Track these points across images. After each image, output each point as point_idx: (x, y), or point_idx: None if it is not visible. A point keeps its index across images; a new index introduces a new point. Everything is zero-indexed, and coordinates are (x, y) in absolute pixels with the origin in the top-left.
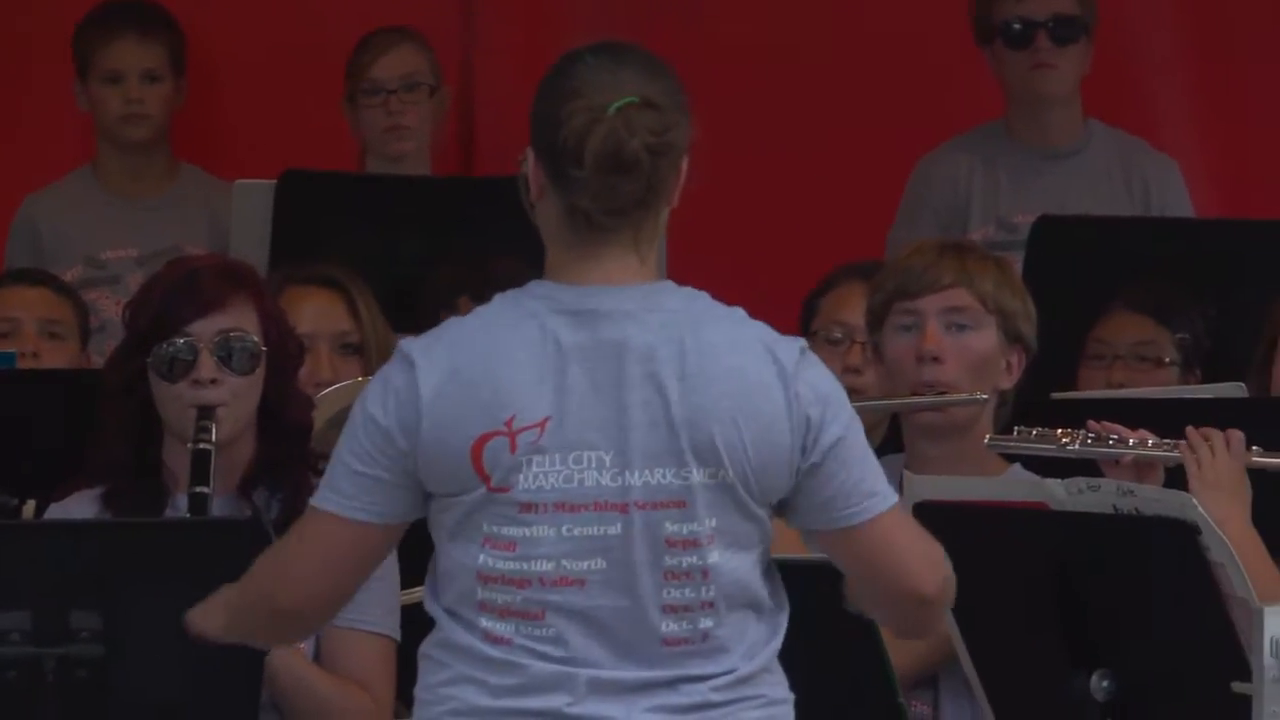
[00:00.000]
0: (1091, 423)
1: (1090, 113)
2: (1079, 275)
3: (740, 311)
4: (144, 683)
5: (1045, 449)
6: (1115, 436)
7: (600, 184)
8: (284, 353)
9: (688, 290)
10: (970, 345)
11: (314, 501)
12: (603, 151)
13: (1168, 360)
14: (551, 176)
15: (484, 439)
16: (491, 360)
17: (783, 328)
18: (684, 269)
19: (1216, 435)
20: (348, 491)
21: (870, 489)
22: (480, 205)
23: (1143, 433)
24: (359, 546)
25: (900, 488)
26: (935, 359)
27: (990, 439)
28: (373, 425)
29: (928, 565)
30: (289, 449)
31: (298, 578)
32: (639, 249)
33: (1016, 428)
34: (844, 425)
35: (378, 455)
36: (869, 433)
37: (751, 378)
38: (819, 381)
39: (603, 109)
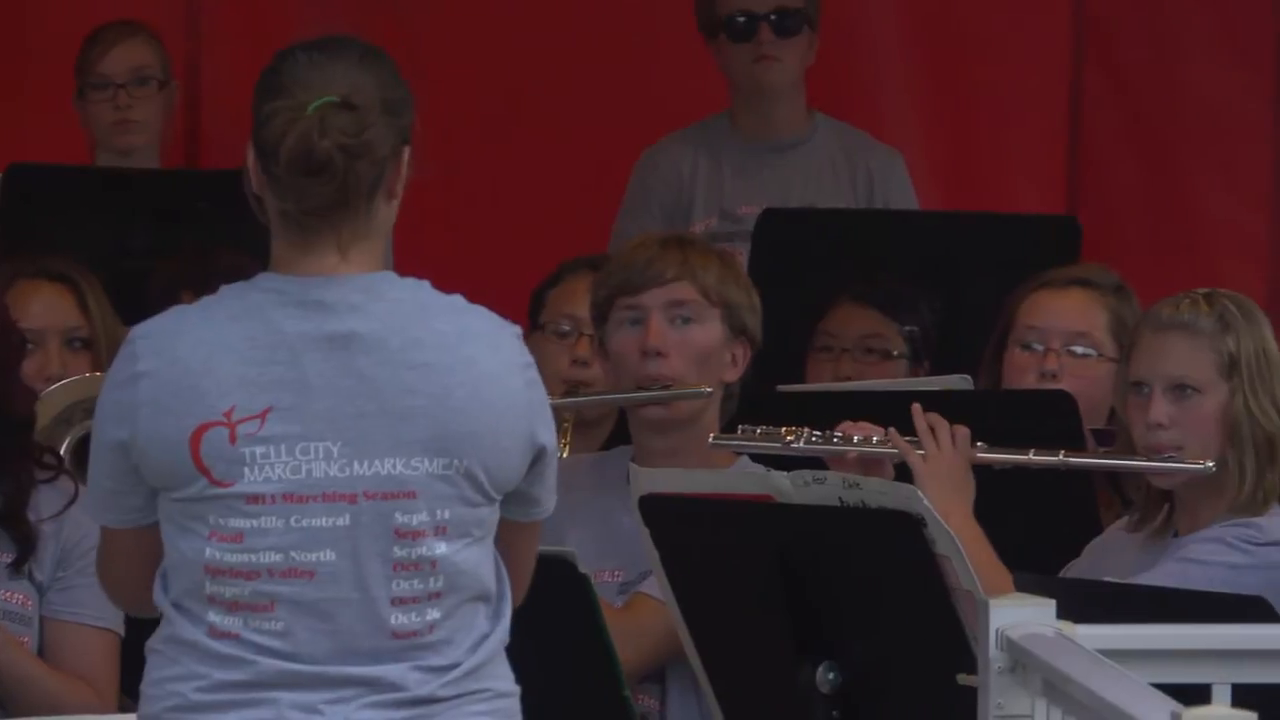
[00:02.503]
0: (847, 424)
1: (814, 105)
2: (805, 267)
3: (460, 299)
4: None
5: (770, 447)
6: (840, 434)
7: (293, 185)
8: (4, 345)
9: (410, 280)
10: (694, 339)
11: (88, 513)
12: (295, 153)
13: (895, 353)
14: (262, 173)
15: (202, 429)
16: (212, 351)
17: (514, 320)
18: (411, 261)
19: (943, 427)
20: (106, 505)
21: (553, 488)
22: (206, 199)
23: (868, 427)
24: (143, 542)
25: (627, 480)
26: (659, 353)
27: (715, 438)
28: (107, 439)
29: (527, 583)
30: (10, 442)
31: (113, 582)
32: (341, 248)
33: (741, 426)
34: (550, 419)
35: (117, 469)
36: (596, 427)
37: (484, 368)
38: (537, 377)
39: (302, 109)
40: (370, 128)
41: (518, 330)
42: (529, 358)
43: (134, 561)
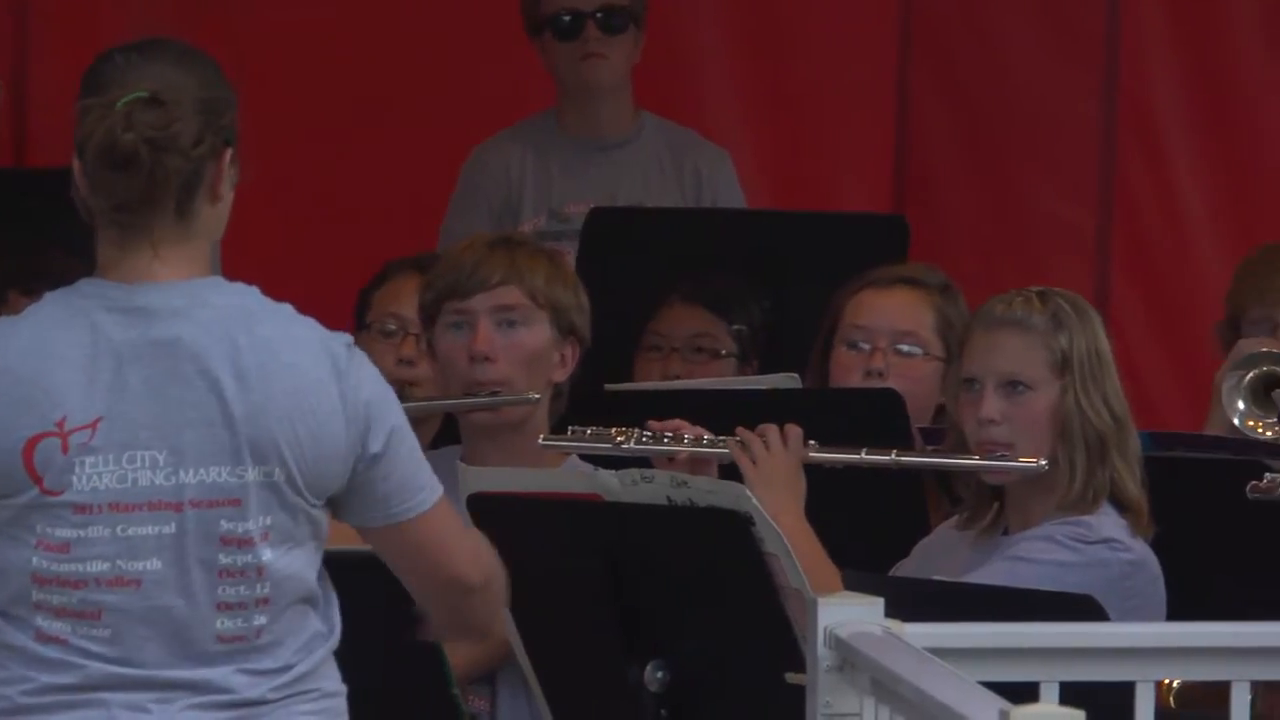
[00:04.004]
0: (652, 422)
1: (641, 104)
2: (633, 266)
3: (289, 308)
4: None
5: (600, 447)
6: (670, 435)
7: (101, 180)
8: None
9: (237, 285)
10: (522, 342)
11: None
12: (101, 147)
13: (724, 352)
14: (82, 173)
15: (35, 440)
16: (42, 360)
17: (337, 321)
18: (239, 261)
19: (772, 430)
20: None
21: (421, 484)
22: (33, 197)
23: (697, 429)
24: None
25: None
26: (487, 358)
27: (544, 438)
28: None
29: (471, 555)
30: None
31: None
32: (156, 248)
33: (571, 426)
34: (395, 421)
35: None
36: (422, 427)
37: (308, 375)
38: (370, 378)
39: (111, 105)
40: (178, 121)
41: (347, 339)
42: (358, 365)
43: None
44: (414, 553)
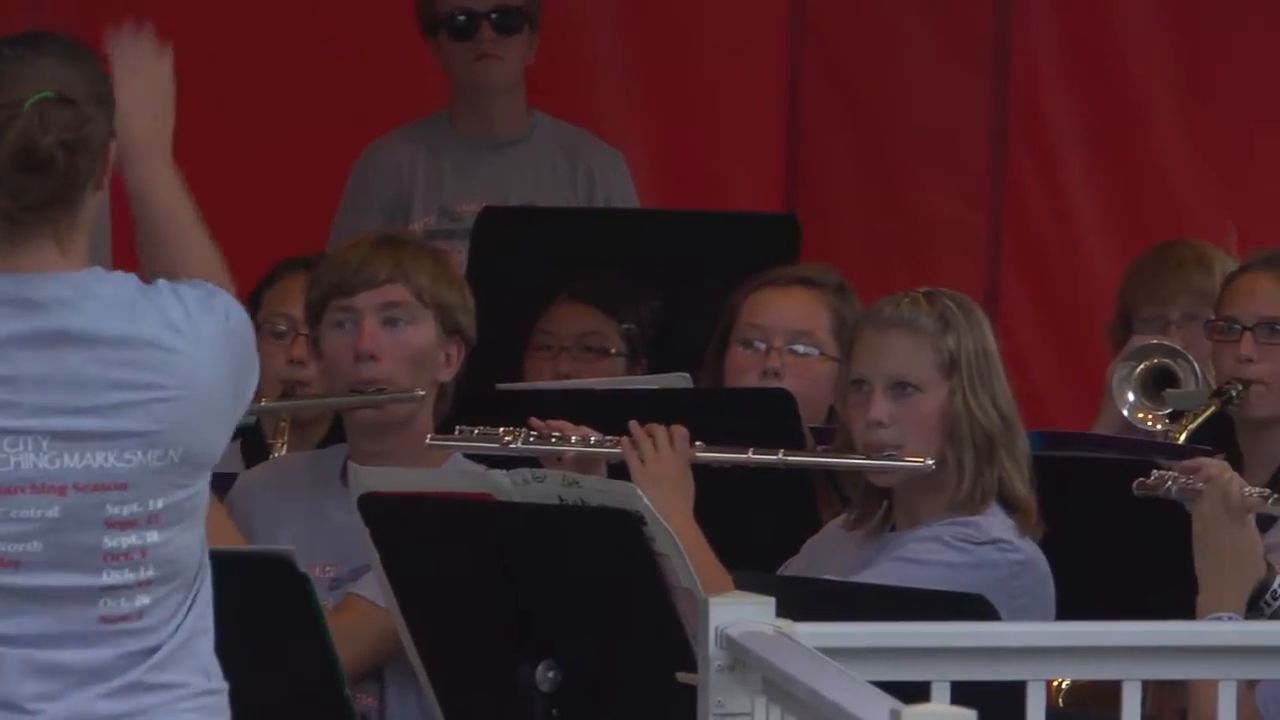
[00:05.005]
0: (534, 420)
1: (535, 104)
2: (524, 265)
3: (167, 289)
4: None
5: (489, 447)
6: (558, 435)
7: (15, 182)
8: None
9: (118, 274)
10: (407, 340)
11: None
12: (16, 149)
13: (614, 351)
14: None
15: None
16: None
17: None
18: (130, 261)
19: (660, 430)
20: None
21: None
22: None
23: (585, 429)
24: None
25: (342, 477)
26: (372, 356)
27: (432, 438)
28: None
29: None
30: None
31: None
32: (60, 242)
33: (459, 426)
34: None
35: None
36: (312, 426)
37: (192, 359)
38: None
39: (19, 105)
40: (89, 122)
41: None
42: (237, 341)
43: None
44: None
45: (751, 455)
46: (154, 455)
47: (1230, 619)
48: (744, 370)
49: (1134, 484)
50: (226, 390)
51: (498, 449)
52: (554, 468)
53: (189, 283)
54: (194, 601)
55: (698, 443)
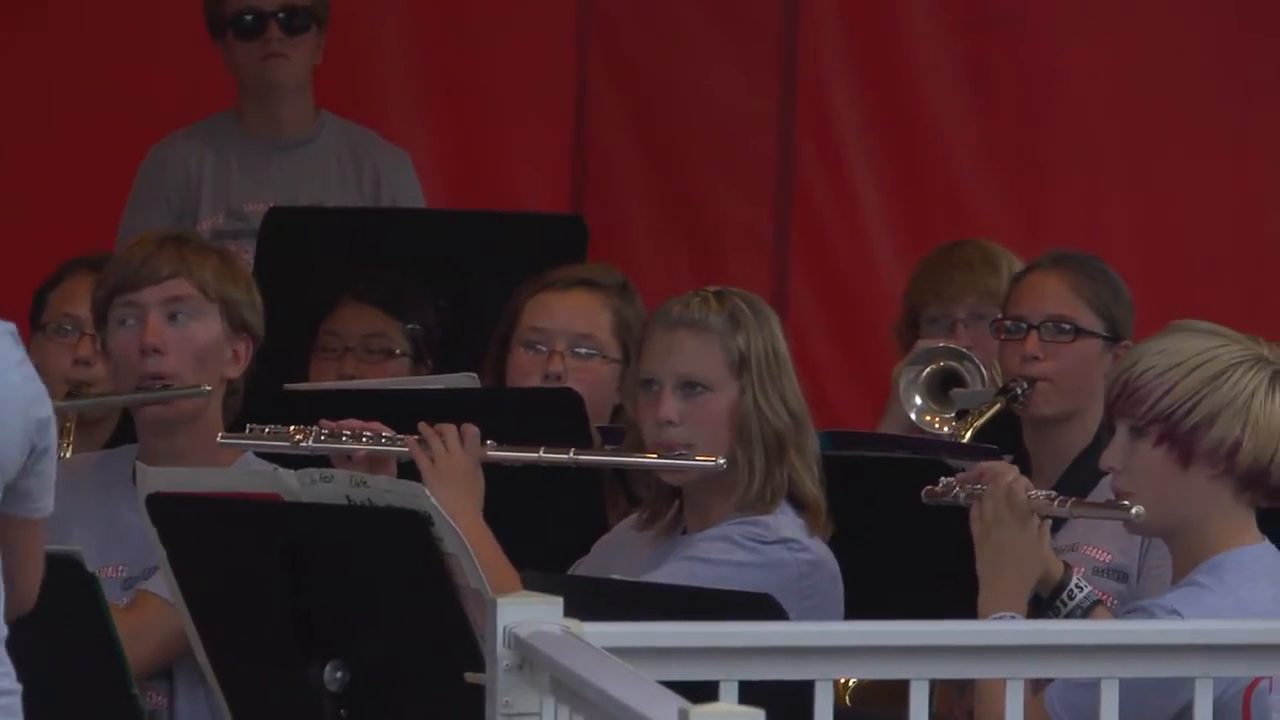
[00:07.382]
0: (325, 420)
1: (322, 104)
2: (311, 265)
3: None
4: None
5: (279, 446)
6: (349, 433)
7: None
8: None
9: None
10: (193, 335)
11: None
12: None
13: (398, 351)
14: None
15: None
16: None
17: (13, 321)
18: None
19: (450, 429)
20: None
21: (51, 488)
22: None
23: (376, 426)
24: None
25: (133, 477)
26: (157, 351)
27: (223, 436)
28: None
29: (37, 583)
30: None
31: None
32: None
33: (249, 425)
34: (50, 419)
35: None
36: (98, 426)
37: None
38: (33, 373)
39: None
40: None
41: (12, 328)
42: (23, 354)
43: None
44: (10, 550)
45: (543, 454)
46: None
47: (1012, 618)
48: (526, 373)
49: (923, 493)
50: (19, 413)
51: (288, 448)
52: (345, 467)
53: None
54: None
55: (489, 441)
